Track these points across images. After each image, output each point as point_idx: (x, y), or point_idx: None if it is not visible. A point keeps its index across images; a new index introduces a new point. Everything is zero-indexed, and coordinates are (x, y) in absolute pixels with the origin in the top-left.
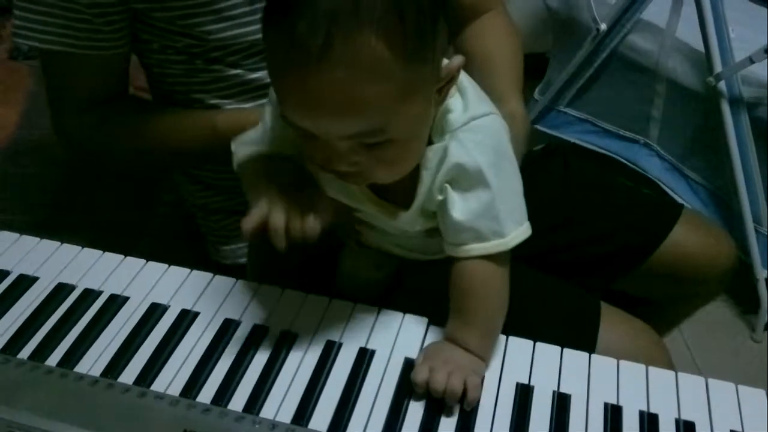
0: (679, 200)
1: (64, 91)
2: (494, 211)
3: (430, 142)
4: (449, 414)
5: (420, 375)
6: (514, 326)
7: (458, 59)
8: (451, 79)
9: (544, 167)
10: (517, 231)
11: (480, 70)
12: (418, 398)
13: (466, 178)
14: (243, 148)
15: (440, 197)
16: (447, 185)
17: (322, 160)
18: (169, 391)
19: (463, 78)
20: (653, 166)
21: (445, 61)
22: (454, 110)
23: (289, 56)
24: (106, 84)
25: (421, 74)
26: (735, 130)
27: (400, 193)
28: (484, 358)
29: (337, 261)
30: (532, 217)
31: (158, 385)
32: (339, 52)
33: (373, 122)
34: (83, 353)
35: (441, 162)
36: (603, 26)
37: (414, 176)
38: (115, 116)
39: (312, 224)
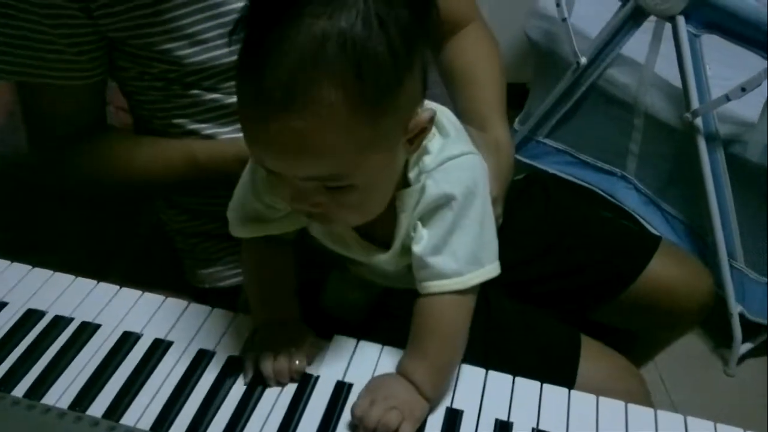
0: (656, 233)
1: (44, 123)
2: (453, 246)
3: (407, 184)
4: None
5: (358, 408)
6: (493, 356)
7: (428, 112)
8: (422, 131)
9: (525, 197)
10: (480, 270)
11: (462, 90)
12: None
13: (433, 208)
14: (233, 214)
15: (413, 234)
16: (418, 222)
17: (288, 196)
18: (140, 425)
19: (444, 120)
20: (630, 199)
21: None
22: (431, 152)
23: (254, 102)
24: (85, 111)
25: (381, 128)
26: (711, 166)
27: (381, 234)
28: (430, 399)
29: (324, 284)
30: (513, 246)
31: (128, 419)
32: (297, 103)
33: (331, 169)
34: (52, 383)
35: (417, 203)
36: (583, 60)
37: (394, 219)
38: (98, 148)
39: (297, 367)
